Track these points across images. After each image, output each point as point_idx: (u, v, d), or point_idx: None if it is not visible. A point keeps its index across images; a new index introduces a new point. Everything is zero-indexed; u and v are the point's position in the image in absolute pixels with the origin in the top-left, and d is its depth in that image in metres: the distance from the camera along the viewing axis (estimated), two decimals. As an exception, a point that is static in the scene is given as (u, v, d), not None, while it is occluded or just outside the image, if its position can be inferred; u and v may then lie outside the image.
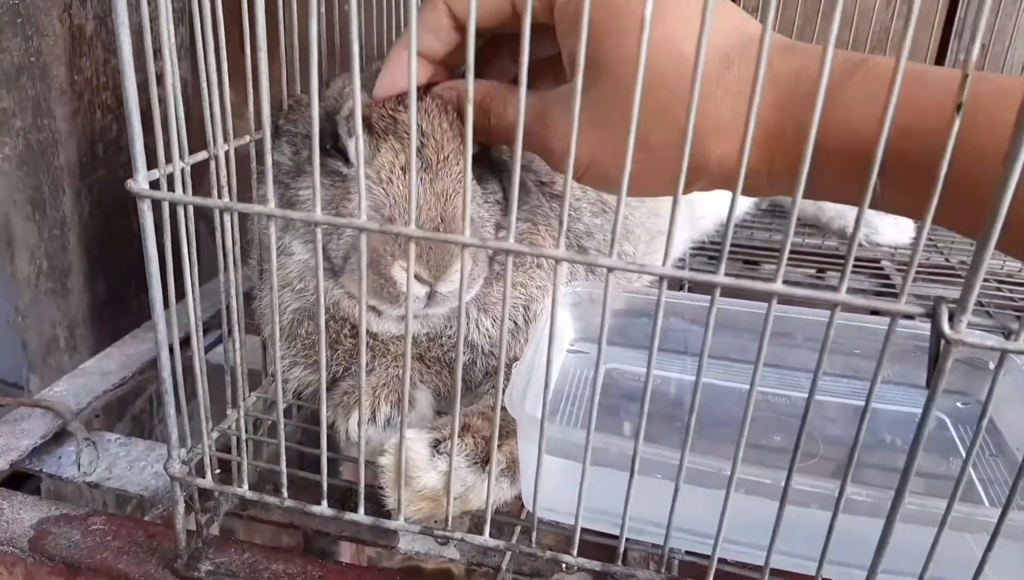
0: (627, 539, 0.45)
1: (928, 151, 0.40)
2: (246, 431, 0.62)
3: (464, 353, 0.64)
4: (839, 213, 1.18)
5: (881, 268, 1.11)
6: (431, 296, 0.55)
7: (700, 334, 0.71)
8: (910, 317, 0.37)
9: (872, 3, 1.11)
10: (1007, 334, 0.36)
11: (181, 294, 0.48)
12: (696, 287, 0.86)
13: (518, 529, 0.54)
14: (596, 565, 0.46)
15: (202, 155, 0.48)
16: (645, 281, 0.80)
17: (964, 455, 0.59)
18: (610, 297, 0.40)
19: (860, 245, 1.17)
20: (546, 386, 0.43)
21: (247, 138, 0.55)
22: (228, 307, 0.48)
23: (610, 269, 0.39)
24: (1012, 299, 0.99)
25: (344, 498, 0.59)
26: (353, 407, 0.59)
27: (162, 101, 0.42)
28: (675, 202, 0.36)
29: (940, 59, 1.24)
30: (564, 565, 0.46)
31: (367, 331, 0.61)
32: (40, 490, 0.85)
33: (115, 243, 0.95)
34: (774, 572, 0.43)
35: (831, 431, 0.62)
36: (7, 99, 0.86)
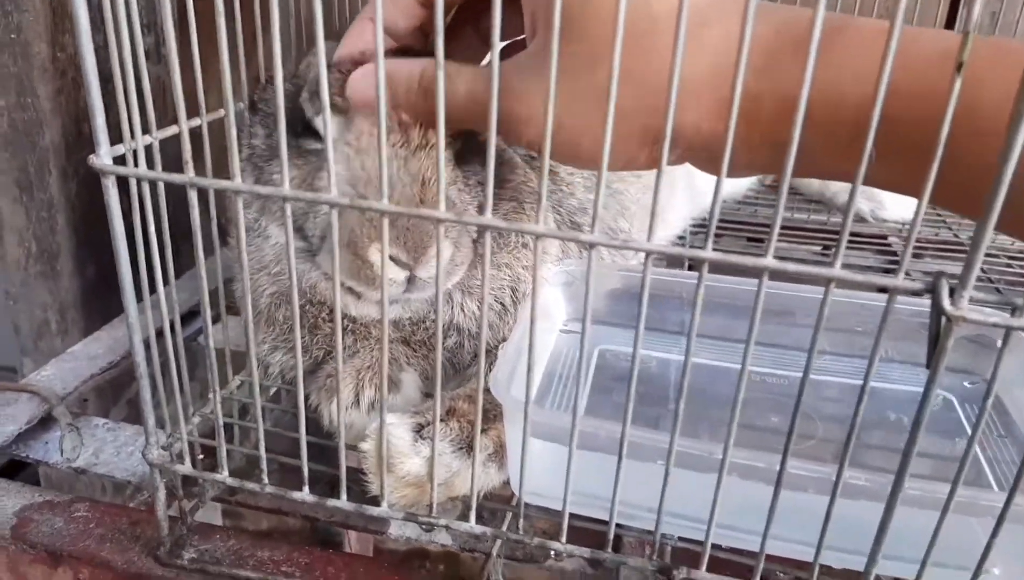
0: (620, 525, 0.43)
1: (922, 117, 0.38)
2: (233, 416, 0.61)
3: (450, 336, 0.62)
4: (844, 188, 1.15)
5: (888, 244, 1.08)
6: (411, 281, 0.53)
7: (703, 315, 0.69)
8: (910, 293, 0.35)
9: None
10: (1013, 310, 0.33)
11: (165, 278, 0.46)
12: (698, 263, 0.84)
13: (509, 515, 0.53)
14: (586, 552, 0.44)
15: (172, 129, 0.46)
16: (640, 258, 0.77)
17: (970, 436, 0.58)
18: (598, 275, 0.38)
19: (866, 221, 1.15)
20: (529, 369, 0.41)
21: (222, 112, 0.53)
22: (202, 290, 0.47)
23: (592, 245, 0.37)
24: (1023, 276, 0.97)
25: (334, 483, 0.58)
26: (336, 391, 0.57)
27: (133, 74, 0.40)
28: (659, 173, 0.34)
29: (948, 28, 1.20)
30: (553, 552, 0.44)
31: (346, 315, 0.60)
32: (38, 477, 0.85)
33: (104, 224, 0.93)
34: (770, 558, 0.41)
35: (831, 411, 0.60)
36: (-11, 78, 0.84)
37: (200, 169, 0.45)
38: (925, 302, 0.64)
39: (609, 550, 0.44)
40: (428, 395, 0.62)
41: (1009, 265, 1.00)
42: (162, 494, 0.50)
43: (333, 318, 0.60)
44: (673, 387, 0.64)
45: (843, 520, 0.39)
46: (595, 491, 0.46)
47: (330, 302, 0.60)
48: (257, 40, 0.58)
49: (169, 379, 0.49)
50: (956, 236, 1.10)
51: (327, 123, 0.36)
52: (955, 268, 0.36)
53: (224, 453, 0.48)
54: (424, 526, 0.49)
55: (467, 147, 0.57)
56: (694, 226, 1.04)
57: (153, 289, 0.46)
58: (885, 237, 1.11)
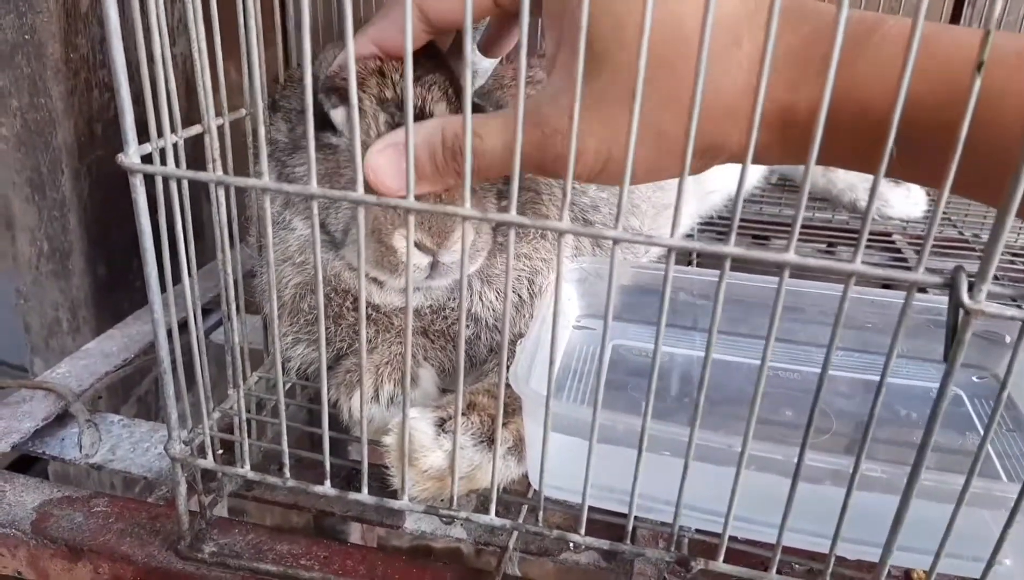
0: (635, 517, 0.44)
1: (944, 117, 0.39)
2: (249, 411, 0.62)
3: (468, 326, 0.63)
4: (849, 186, 1.16)
5: (892, 242, 1.09)
6: (433, 266, 0.54)
7: (709, 309, 0.70)
8: (927, 288, 0.36)
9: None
10: (1025, 305, 0.34)
11: (179, 274, 0.47)
12: (705, 260, 0.85)
13: (525, 507, 0.54)
14: (604, 544, 0.45)
15: (196, 129, 0.47)
16: (652, 255, 0.78)
17: (980, 430, 0.58)
18: (616, 271, 0.39)
19: (872, 219, 1.15)
20: (551, 364, 0.42)
21: (243, 112, 0.53)
22: (227, 285, 0.47)
23: (616, 241, 0.38)
24: (1029, 271, 0.98)
25: (350, 477, 0.58)
26: (356, 386, 0.58)
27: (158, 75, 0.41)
28: (681, 179, 0.35)
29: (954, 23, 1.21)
30: (572, 544, 0.45)
31: (369, 303, 0.60)
32: (48, 474, 0.85)
33: (116, 223, 0.94)
34: (786, 550, 0.42)
35: (843, 405, 0.61)
36: (2, 78, 0.85)
37: (220, 167, 0.46)
38: (934, 298, 0.65)
39: (628, 542, 0.44)
40: (444, 390, 0.62)
41: (1012, 261, 1.01)
42: (183, 488, 0.51)
43: (356, 308, 0.61)
44: (684, 381, 0.65)
45: (858, 511, 0.40)
46: (610, 483, 0.47)
47: (353, 291, 0.61)
48: (279, 39, 0.58)
49: (189, 375, 0.50)
50: (961, 233, 1.11)
51: (355, 125, 0.36)
52: (959, 264, 0.37)
53: (246, 447, 0.49)
54: (444, 519, 0.49)
55: None
56: (701, 224, 1.05)
57: (177, 282, 0.46)
58: (889, 234, 1.11)
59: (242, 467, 0.49)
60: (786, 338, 0.64)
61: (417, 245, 0.52)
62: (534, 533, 0.46)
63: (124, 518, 0.56)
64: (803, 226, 1.10)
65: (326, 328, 0.48)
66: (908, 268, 0.35)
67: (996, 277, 0.95)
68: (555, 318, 0.40)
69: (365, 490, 0.47)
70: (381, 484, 0.52)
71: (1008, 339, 0.62)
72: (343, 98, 0.56)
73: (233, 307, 0.46)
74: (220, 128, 0.48)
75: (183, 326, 0.47)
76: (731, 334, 0.66)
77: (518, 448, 0.50)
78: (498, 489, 0.46)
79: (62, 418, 0.69)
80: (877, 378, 0.69)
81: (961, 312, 0.35)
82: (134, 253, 0.98)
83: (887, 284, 0.71)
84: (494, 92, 0.66)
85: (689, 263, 0.86)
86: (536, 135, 0.43)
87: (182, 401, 0.50)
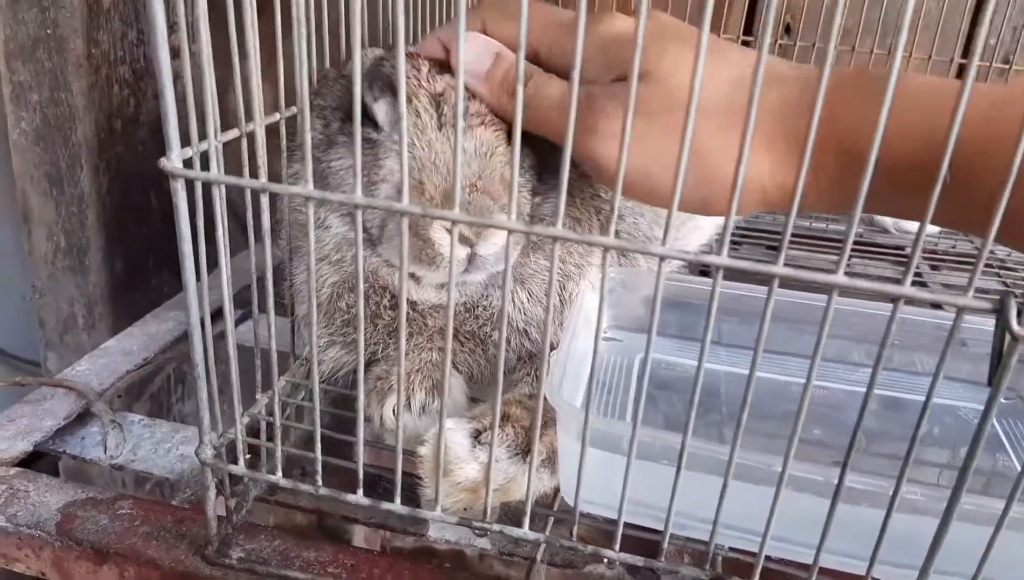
0: (661, 532, 0.44)
1: (963, 162, 0.39)
2: (273, 415, 0.61)
3: (497, 329, 0.62)
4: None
5: (906, 256, 1.09)
6: (471, 259, 0.54)
7: (732, 324, 0.70)
8: (978, 312, 0.35)
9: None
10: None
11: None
12: (743, 277, 0.84)
13: (551, 520, 0.54)
14: (639, 560, 0.45)
15: (233, 133, 0.46)
16: (670, 267, 0.78)
17: (1010, 450, 0.58)
18: (636, 283, 0.39)
19: (888, 232, 1.16)
20: (591, 378, 0.41)
21: (277, 116, 0.53)
22: (260, 288, 0.47)
23: (662, 257, 0.38)
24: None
25: (372, 483, 0.58)
26: (387, 393, 0.57)
27: (194, 79, 0.40)
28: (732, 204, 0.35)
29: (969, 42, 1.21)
30: (606, 560, 0.45)
31: (407, 300, 0.60)
32: (58, 470, 0.85)
33: (133, 220, 0.94)
34: (822, 571, 0.42)
35: (870, 424, 0.61)
36: (23, 72, 0.85)
37: (252, 172, 0.45)
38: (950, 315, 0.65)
39: (663, 558, 0.44)
40: (473, 400, 0.62)
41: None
42: (212, 493, 0.51)
43: (393, 306, 0.60)
44: (708, 395, 0.64)
45: (895, 533, 0.40)
46: (643, 498, 0.47)
47: (391, 287, 0.60)
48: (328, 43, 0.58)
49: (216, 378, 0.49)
50: (977, 249, 1.11)
51: (403, 133, 0.36)
52: (979, 282, 0.37)
53: (278, 453, 0.49)
54: (477, 531, 0.49)
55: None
56: (719, 235, 1.04)
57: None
58: (903, 248, 1.11)
59: (274, 474, 0.49)
60: (809, 354, 0.64)
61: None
62: (567, 547, 0.46)
63: (149, 521, 0.55)
64: (817, 238, 1.10)
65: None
66: (922, 284, 0.35)
67: (1015, 295, 0.95)
68: (597, 334, 0.40)
69: (398, 500, 0.46)
70: (407, 492, 0.51)
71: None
72: (384, 90, 0.56)
73: (267, 310, 0.46)
74: (252, 133, 0.48)
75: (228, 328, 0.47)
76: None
77: (551, 461, 0.50)
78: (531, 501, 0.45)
79: (82, 417, 0.69)
80: (900, 395, 0.69)
81: (1008, 337, 0.35)
82: (151, 250, 0.99)
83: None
84: None
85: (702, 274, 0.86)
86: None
87: (214, 404, 0.49)
